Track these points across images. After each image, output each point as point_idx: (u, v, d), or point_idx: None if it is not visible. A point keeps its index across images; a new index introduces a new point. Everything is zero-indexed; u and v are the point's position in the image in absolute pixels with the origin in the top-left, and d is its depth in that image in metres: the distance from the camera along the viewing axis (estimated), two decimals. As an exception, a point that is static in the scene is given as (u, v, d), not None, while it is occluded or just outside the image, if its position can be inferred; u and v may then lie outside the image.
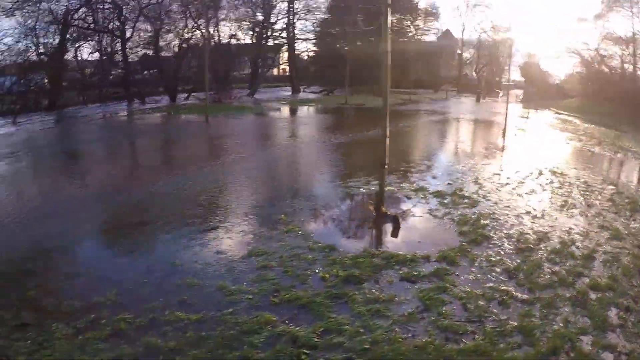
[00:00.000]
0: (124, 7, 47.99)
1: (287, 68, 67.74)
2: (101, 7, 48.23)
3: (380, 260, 7.85)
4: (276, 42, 59.80)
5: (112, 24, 49.63)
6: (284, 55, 63.82)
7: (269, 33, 57.77)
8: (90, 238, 10.24)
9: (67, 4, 44.56)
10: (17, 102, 38.87)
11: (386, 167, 10.66)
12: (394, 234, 9.44)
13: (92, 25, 48.68)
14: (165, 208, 11.63)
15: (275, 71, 70.04)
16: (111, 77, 53.55)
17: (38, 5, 41.34)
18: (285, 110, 40.07)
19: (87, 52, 53.44)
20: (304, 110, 39.17)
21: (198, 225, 10.12)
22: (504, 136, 23.42)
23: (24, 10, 40.33)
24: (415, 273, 7.45)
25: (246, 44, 58.12)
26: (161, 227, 10.18)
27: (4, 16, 38.90)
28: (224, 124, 30.39)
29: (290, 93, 55.23)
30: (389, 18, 10.52)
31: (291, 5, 56.46)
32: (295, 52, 61.00)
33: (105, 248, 9.60)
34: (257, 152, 19.86)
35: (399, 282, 7.20)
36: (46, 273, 8.17)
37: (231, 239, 9.25)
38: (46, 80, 46.34)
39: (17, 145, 24.71)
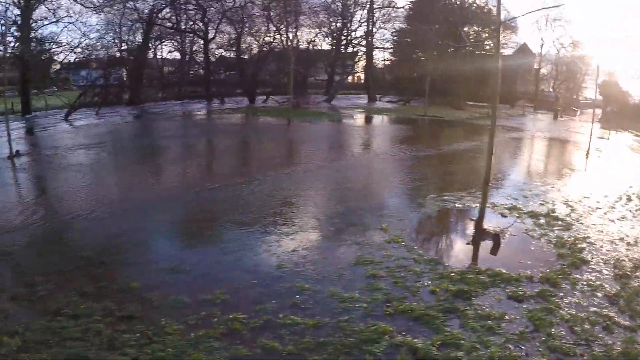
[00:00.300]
0: (207, 9, 49.28)
1: (362, 76, 67.91)
2: (185, 8, 49.93)
3: (487, 278, 7.97)
4: (354, 49, 59.96)
5: (195, 24, 51.01)
6: (360, 62, 63.99)
7: (348, 40, 58.04)
8: (186, 234, 10.72)
9: (152, 3, 46.44)
10: (99, 95, 40.36)
11: (490, 184, 10.79)
12: (494, 251, 9.54)
13: (175, 25, 50.15)
14: (261, 209, 12.03)
15: (349, 78, 70.26)
16: (190, 76, 55.08)
17: (125, 3, 43.18)
18: (365, 119, 39.95)
19: (166, 50, 55.03)
20: (383, 120, 38.86)
21: (298, 229, 10.46)
22: (587, 157, 23.03)
23: (112, 8, 42.34)
24: (520, 292, 7.54)
25: (323, 50, 58.53)
26: (262, 228, 10.56)
27: (94, 12, 40.48)
28: (305, 129, 30.77)
29: (366, 101, 55.21)
30: (500, 37, 10.66)
31: (371, 14, 56.60)
32: (372, 61, 60.99)
33: (204, 245, 9.91)
34: (342, 159, 20.16)
35: (506, 301, 7.30)
36: (147, 266, 8.51)
37: (335, 246, 9.53)
38: (127, 76, 48.05)
39: (102, 136, 25.96)
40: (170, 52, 56.08)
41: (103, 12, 41.96)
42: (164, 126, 33.36)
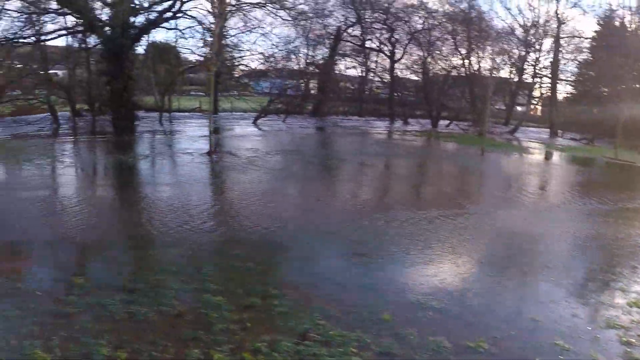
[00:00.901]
0: (395, 29, 51.07)
1: (539, 108, 65.45)
2: (371, 27, 52.35)
3: None
4: (539, 80, 57.88)
5: (383, 44, 53.02)
6: (543, 94, 61.69)
7: (535, 70, 56.20)
8: (413, 266, 10.61)
9: (343, 20, 49.43)
10: (286, 104, 42.97)
11: None
12: None
13: (362, 43, 52.61)
14: (489, 252, 12.18)
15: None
16: (374, 93, 56.67)
17: (316, 18, 46.32)
18: (553, 156, 37.55)
19: (347, 66, 57.38)
20: (572, 160, 35.52)
21: (533, 278, 10.47)
22: None
23: (306, 22, 45.29)
24: None
25: (502, 77, 57.18)
26: (498, 274, 10.56)
27: (285, 25, 44.19)
28: (501, 160, 30.33)
29: (547, 136, 52.59)
30: None
31: (557, 43, 54.33)
32: (556, 93, 58.54)
33: (444, 284, 9.66)
34: (549, 202, 19.78)
35: None
36: (391, 296, 8.53)
37: (578, 303, 9.34)
38: (308, 88, 50.69)
39: (292, 144, 28.68)
40: (348, 68, 58.23)
41: (299, 25, 45.11)
42: (350, 141, 34.63)
